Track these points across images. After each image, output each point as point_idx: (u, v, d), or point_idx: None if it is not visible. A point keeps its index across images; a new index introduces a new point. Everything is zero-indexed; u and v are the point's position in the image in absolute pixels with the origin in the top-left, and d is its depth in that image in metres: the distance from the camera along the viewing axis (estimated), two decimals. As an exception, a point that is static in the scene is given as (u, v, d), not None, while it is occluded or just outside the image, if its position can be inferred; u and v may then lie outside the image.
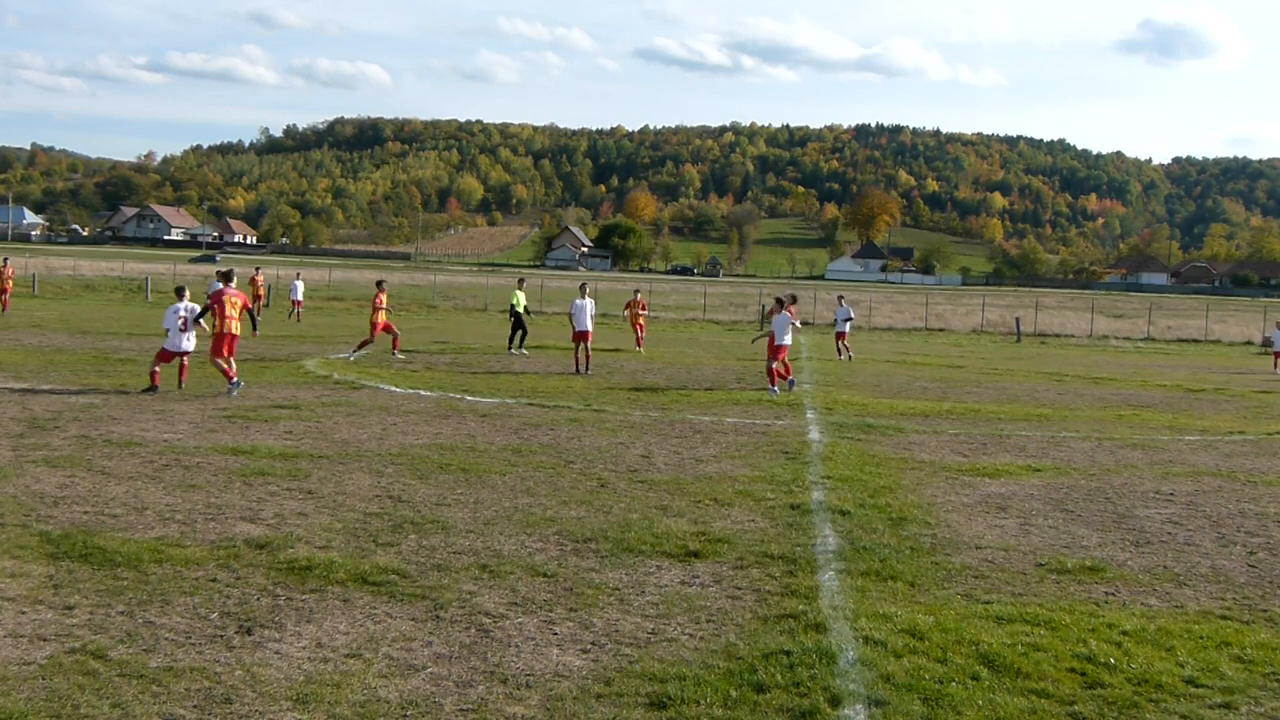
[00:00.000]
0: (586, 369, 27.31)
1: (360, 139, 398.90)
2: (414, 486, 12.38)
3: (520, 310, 33.52)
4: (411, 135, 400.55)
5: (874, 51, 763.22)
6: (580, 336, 28.14)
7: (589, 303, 29.04)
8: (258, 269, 47.77)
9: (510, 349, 32.98)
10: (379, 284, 30.15)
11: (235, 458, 13.61)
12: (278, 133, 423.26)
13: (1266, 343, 40.33)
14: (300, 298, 44.94)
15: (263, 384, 21.52)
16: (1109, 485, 14.42)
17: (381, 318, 29.42)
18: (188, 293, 20.63)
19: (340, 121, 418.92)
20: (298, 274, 50.04)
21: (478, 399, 20.67)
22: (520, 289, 34.41)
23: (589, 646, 7.36)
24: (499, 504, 11.65)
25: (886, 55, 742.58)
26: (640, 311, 37.20)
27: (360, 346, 29.35)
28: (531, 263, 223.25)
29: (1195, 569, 10.20)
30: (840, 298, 40.84)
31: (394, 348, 29.72)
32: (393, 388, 21.85)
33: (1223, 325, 69.55)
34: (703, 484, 13.23)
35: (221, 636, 7.23)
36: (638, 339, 36.33)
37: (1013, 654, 7.39)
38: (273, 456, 13.76)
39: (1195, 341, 60.51)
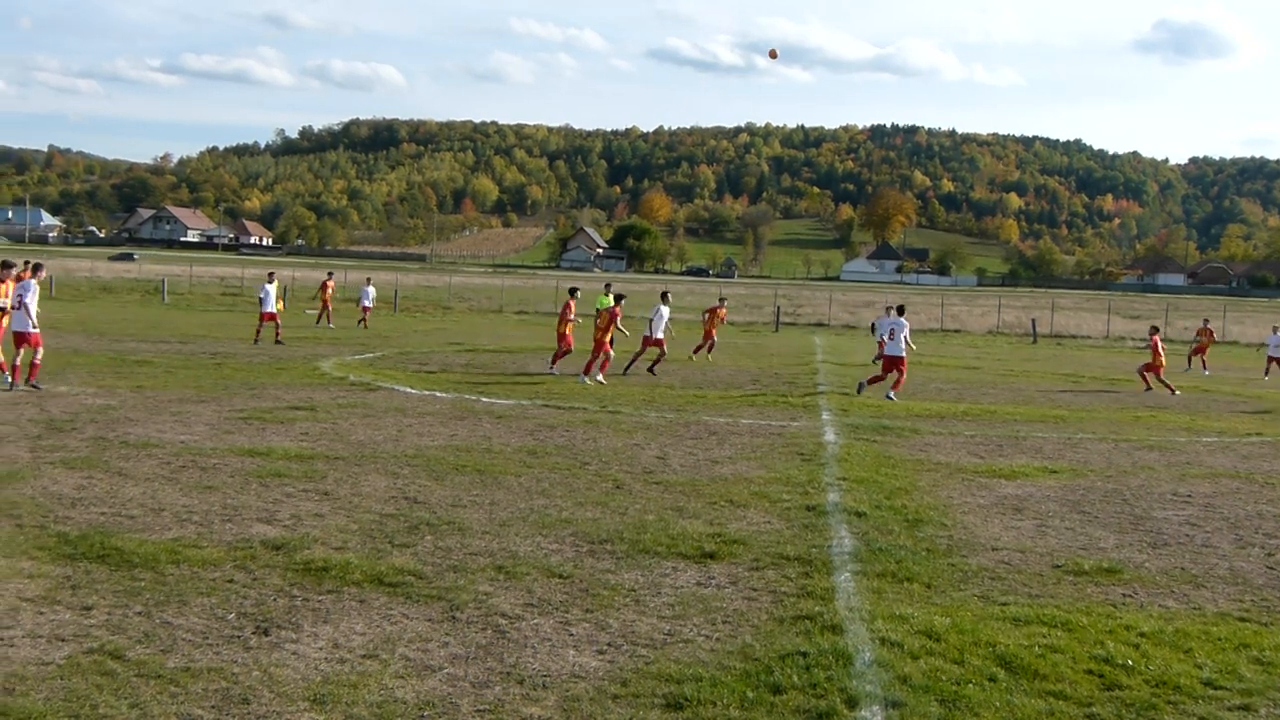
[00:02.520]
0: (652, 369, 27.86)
1: (375, 140, 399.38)
2: (430, 488, 12.40)
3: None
4: (426, 136, 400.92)
5: (888, 52, 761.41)
6: (652, 344, 28.22)
7: (667, 310, 29.03)
8: (330, 274, 47.21)
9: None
10: (571, 292, 29.20)
11: (251, 459, 13.64)
12: (293, 134, 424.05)
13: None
14: (370, 303, 44.61)
15: (279, 385, 21.58)
16: (1126, 487, 14.37)
17: (570, 328, 28.19)
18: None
19: (355, 123, 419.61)
20: (368, 279, 49.70)
21: (493, 400, 20.69)
22: (606, 294, 34.37)
23: (605, 647, 7.36)
24: (515, 505, 11.66)
25: (901, 55, 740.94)
26: (719, 320, 35.32)
27: (555, 359, 27.98)
28: (546, 264, 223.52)
29: (1213, 571, 10.16)
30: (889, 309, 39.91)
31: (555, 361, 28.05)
32: (408, 389, 21.89)
33: (1240, 326, 69.27)
34: (718, 485, 13.23)
35: (238, 637, 7.25)
36: (710, 345, 34.26)
37: (1030, 655, 7.37)
38: (289, 458, 13.80)
39: (1215, 343, 60.22)
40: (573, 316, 28.21)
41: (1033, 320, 62.57)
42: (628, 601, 8.41)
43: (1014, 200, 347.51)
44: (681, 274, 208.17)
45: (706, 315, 34.47)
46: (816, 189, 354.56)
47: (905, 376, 24.68)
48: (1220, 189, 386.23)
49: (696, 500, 12.33)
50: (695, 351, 33.61)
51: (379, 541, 9.85)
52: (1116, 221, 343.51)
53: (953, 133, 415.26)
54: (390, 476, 12.96)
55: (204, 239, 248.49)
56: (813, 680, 6.76)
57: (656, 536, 10.42)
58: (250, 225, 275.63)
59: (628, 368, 27.47)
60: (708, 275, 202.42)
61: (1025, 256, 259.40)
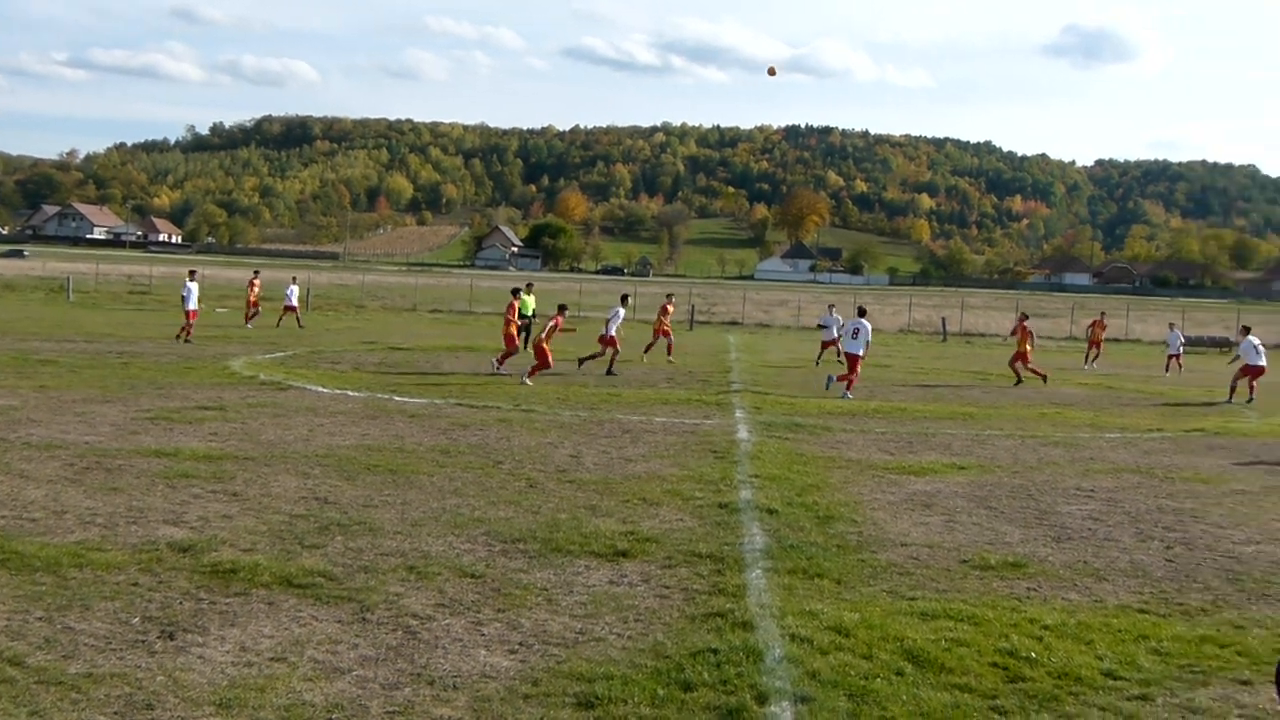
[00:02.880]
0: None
1: (288, 137, 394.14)
2: (341, 488, 12.29)
3: (528, 314, 34.18)
4: (340, 134, 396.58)
5: (803, 52, 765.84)
6: (607, 343, 28.56)
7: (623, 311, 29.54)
8: (256, 273, 46.54)
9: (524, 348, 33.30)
10: (514, 292, 29.28)
11: (158, 460, 13.42)
12: (204, 130, 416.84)
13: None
14: (294, 302, 44.04)
15: (187, 385, 21.26)
16: (1032, 482, 14.63)
17: (514, 329, 28.20)
18: None
19: (268, 119, 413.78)
20: (294, 278, 48.90)
21: (406, 399, 20.55)
22: (528, 294, 34.71)
23: (517, 647, 7.35)
24: (427, 505, 11.60)
25: (816, 56, 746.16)
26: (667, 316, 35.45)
27: (502, 359, 27.61)
28: (461, 263, 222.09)
29: (1114, 564, 10.38)
30: (831, 307, 40.23)
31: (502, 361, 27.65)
32: (320, 388, 21.66)
33: (1143, 325, 70.69)
34: (631, 484, 13.26)
35: (143, 641, 7.14)
36: (668, 344, 34.37)
37: (937, 649, 7.48)
38: (197, 459, 13.59)
39: (1116, 341, 61.44)
40: (513, 317, 28.22)
41: (943, 319, 63.43)
42: (540, 601, 8.41)
43: (925, 200, 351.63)
44: (596, 273, 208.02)
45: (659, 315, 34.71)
46: (732, 188, 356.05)
47: (857, 376, 25.28)
48: (1125, 191, 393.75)
49: (610, 499, 12.35)
50: (669, 353, 33.72)
51: (289, 543, 9.75)
52: (1025, 222, 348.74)
53: (866, 133, 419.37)
54: (301, 477, 12.82)
55: (111, 236, 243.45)
56: (723, 677, 6.80)
57: (569, 535, 10.42)
58: (159, 223, 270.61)
59: (582, 362, 28.17)
60: (623, 274, 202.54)
61: (936, 256, 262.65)
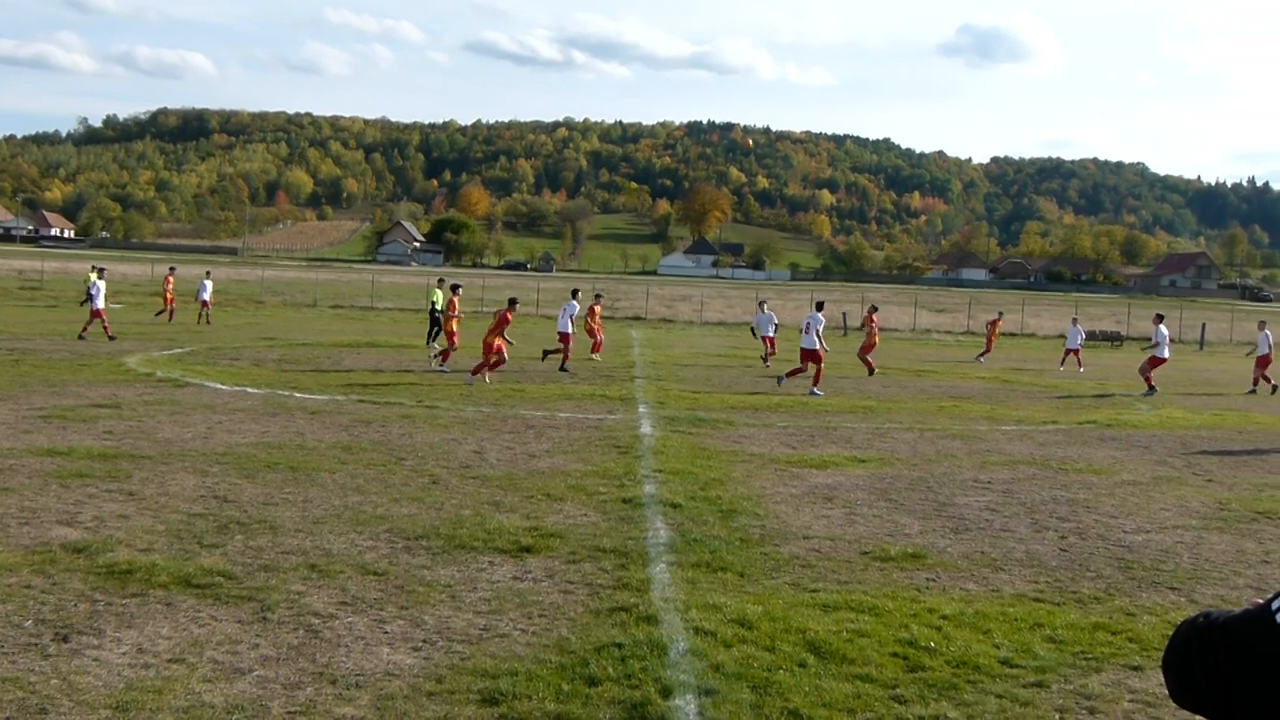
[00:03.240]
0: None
1: (185, 130, 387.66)
2: (241, 486, 12.11)
3: (435, 306, 34.58)
4: (238, 127, 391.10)
5: (705, 49, 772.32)
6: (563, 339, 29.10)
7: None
8: (172, 269, 45.70)
9: (430, 344, 33.98)
10: (454, 289, 29.10)
11: (51, 459, 13.11)
12: (97, 123, 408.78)
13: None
14: (208, 297, 43.35)
15: (81, 382, 20.79)
16: (930, 474, 14.86)
17: (456, 325, 28.08)
18: None
19: (163, 112, 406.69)
20: (207, 272, 47.93)
21: (307, 396, 20.30)
22: (439, 287, 35.08)
23: (420, 644, 7.31)
24: (329, 502, 11.48)
25: (718, 53, 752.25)
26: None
27: (445, 357, 27.55)
28: (362, 258, 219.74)
29: (1011, 554, 10.58)
30: (762, 304, 40.18)
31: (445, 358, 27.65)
32: (218, 385, 21.32)
33: (1038, 319, 72.10)
34: (535, 479, 13.24)
35: (36, 645, 6.98)
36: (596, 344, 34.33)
37: (838, 641, 7.58)
38: (91, 457, 13.31)
39: (1012, 335, 62.59)
40: (454, 313, 28.20)
41: (843, 314, 64.05)
42: (443, 597, 8.37)
43: (826, 197, 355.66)
44: (499, 268, 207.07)
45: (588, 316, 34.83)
46: (634, 184, 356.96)
47: (822, 369, 25.68)
48: (1020, 188, 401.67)
49: (513, 494, 12.32)
50: (594, 351, 33.68)
51: (187, 542, 9.59)
52: (923, 218, 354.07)
53: (767, 130, 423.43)
54: (199, 475, 12.61)
55: (1, 231, 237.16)
56: (628, 671, 6.83)
57: (473, 531, 10.38)
58: (51, 216, 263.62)
59: (546, 354, 29.44)
60: (526, 269, 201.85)
61: (837, 251, 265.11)
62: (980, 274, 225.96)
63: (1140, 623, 8.40)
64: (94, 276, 34.07)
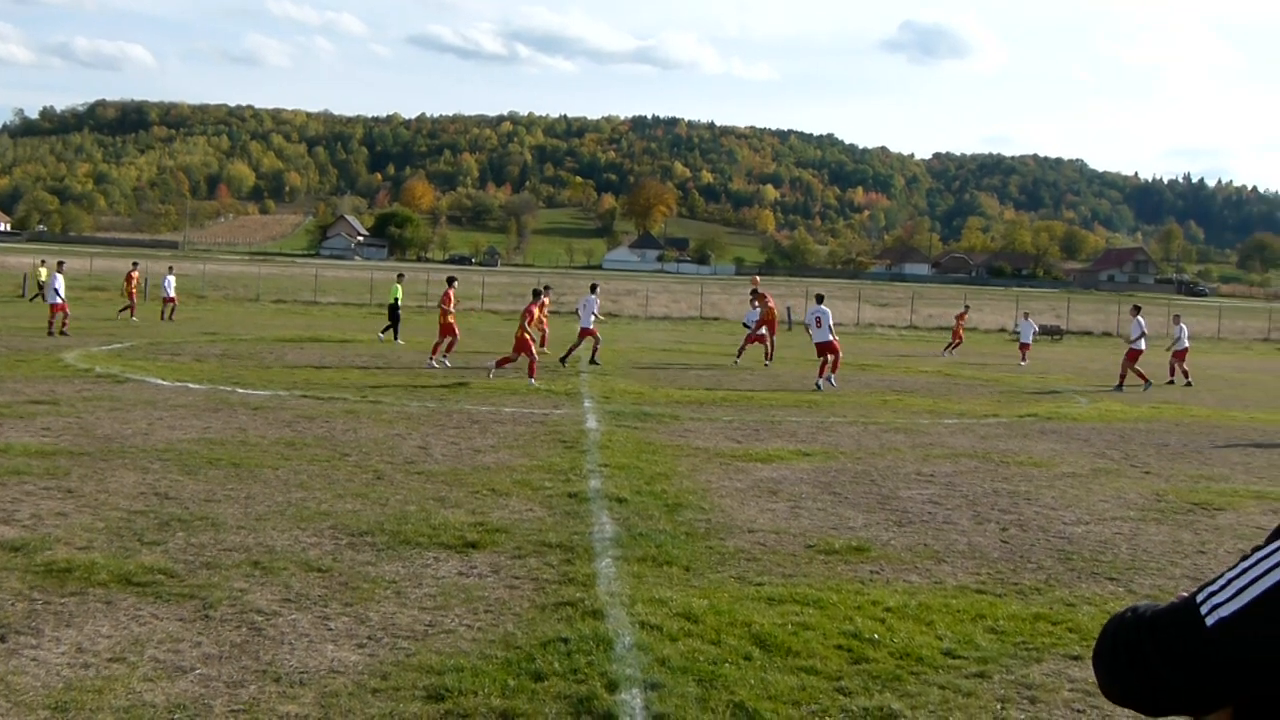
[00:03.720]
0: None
1: (124, 122, 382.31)
2: (182, 483, 11.99)
3: (398, 303, 35.34)
4: (178, 119, 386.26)
5: (650, 44, 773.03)
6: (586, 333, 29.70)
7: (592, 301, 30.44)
8: (135, 265, 44.92)
9: (380, 335, 34.61)
10: (450, 281, 29.44)
11: (-13, 456, 12.92)
12: (34, 114, 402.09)
13: (1016, 333, 42.65)
14: (173, 293, 42.87)
15: (18, 378, 20.48)
16: (874, 468, 14.96)
17: (453, 319, 28.12)
18: None
19: (102, 104, 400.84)
20: (170, 268, 47.26)
21: (249, 391, 20.12)
22: (399, 283, 35.95)
23: (365, 641, 7.27)
24: (271, 499, 11.39)
25: (662, 48, 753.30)
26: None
27: (443, 351, 27.49)
28: (306, 252, 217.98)
29: (953, 546, 10.68)
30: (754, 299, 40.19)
31: (435, 352, 27.52)
32: (159, 381, 21.08)
33: (979, 314, 72.69)
34: (480, 474, 13.20)
35: (-28, 644, 6.88)
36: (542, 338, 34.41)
37: (783, 633, 7.62)
38: (29, 454, 13.10)
39: (944, 328, 63.11)
40: (449, 306, 28.43)
41: (788, 308, 64.25)
42: (388, 594, 8.33)
43: (770, 192, 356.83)
44: (444, 262, 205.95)
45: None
46: (579, 178, 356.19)
47: (840, 357, 26.25)
48: (961, 183, 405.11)
49: (459, 489, 12.28)
50: (543, 345, 33.70)
51: (127, 540, 9.48)
52: (866, 213, 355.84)
53: (712, 125, 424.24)
54: (140, 472, 12.47)
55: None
56: (574, 666, 6.83)
57: (418, 527, 10.33)
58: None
59: (564, 357, 28.90)
60: (470, 263, 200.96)
61: (781, 246, 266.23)
62: (923, 269, 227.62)
63: (1080, 613, 8.51)
64: (46, 272, 33.79)
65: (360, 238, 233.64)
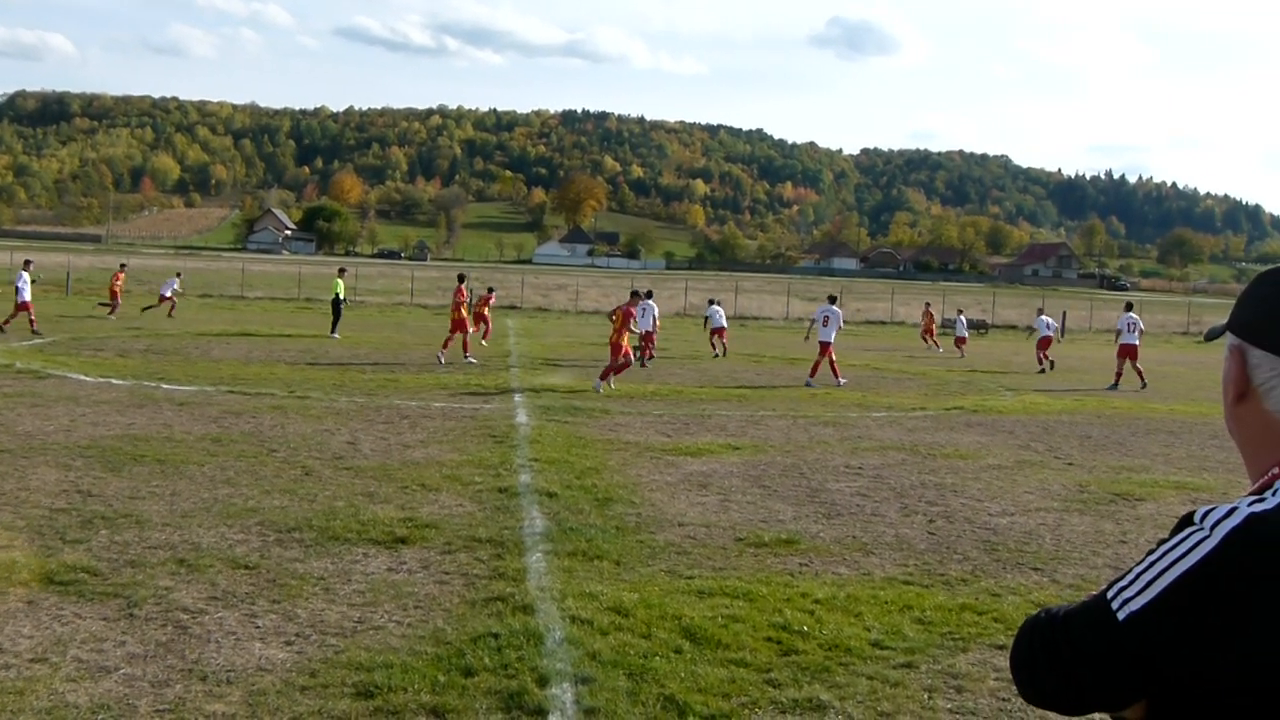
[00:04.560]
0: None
1: (44, 114, 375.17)
2: (105, 480, 11.81)
3: (339, 298, 35.79)
4: (101, 111, 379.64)
5: (579, 37, 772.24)
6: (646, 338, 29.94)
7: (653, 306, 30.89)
8: (123, 265, 45.35)
9: (333, 334, 34.26)
10: (461, 278, 29.68)
11: (-97, 454, 12.65)
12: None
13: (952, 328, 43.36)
14: (169, 294, 43.20)
15: (-66, 375, 20.06)
16: (803, 461, 15.07)
17: (465, 312, 28.68)
18: None
19: (21, 94, 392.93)
20: (178, 273, 47.01)
21: (175, 387, 19.85)
22: (341, 278, 36.57)
23: (293, 638, 7.22)
24: (197, 495, 11.25)
25: (591, 41, 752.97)
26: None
27: (458, 346, 28.15)
28: (232, 245, 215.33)
29: (881, 538, 10.79)
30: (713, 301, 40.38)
31: (467, 349, 28.33)
32: (82, 376, 20.74)
33: (907, 308, 73.35)
34: (410, 469, 13.14)
35: (-111, 646, 6.74)
36: (485, 332, 34.64)
37: (713, 626, 7.66)
38: (-54, 452, 12.86)
39: (882, 323, 63.75)
40: (463, 300, 28.74)
41: (718, 301, 64.44)
42: (317, 590, 8.27)
43: (700, 186, 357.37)
44: (373, 256, 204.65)
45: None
46: (509, 172, 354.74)
47: (827, 361, 26.18)
48: (889, 179, 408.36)
49: (388, 485, 12.21)
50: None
51: (49, 538, 9.33)
52: (795, 208, 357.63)
53: (642, 119, 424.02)
54: (62, 469, 12.27)
55: None
56: (504, 661, 6.83)
57: (347, 523, 10.27)
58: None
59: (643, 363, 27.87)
60: (400, 258, 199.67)
61: (711, 241, 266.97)
62: (851, 263, 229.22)
63: (1005, 603, 8.64)
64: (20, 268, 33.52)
65: (288, 232, 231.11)
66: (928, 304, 48.57)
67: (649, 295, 31.12)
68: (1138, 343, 28.53)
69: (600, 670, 6.74)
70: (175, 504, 10.84)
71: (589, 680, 6.57)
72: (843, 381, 25.62)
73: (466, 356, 27.71)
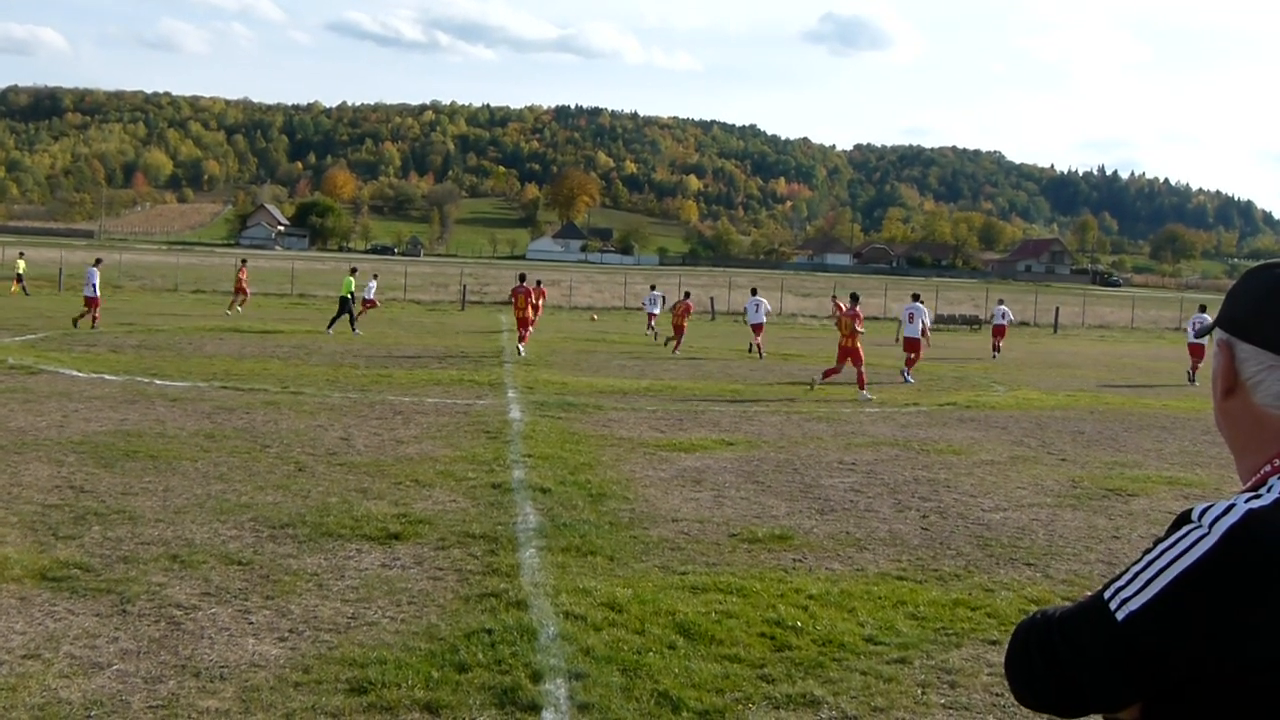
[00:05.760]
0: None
1: (36, 109, 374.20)
2: (98, 476, 11.79)
3: (348, 295, 35.78)
4: (93, 106, 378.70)
5: (571, 32, 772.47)
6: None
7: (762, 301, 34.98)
8: (244, 261, 48.35)
9: (329, 330, 34.53)
10: (538, 283, 32.99)
11: (-105, 450, 12.62)
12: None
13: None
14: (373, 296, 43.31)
15: (-74, 370, 20.02)
16: (797, 457, 15.07)
17: (531, 313, 31.13)
18: None
19: (13, 90, 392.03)
20: (374, 274, 47.13)
21: (167, 383, 19.83)
22: (352, 276, 36.74)
23: (286, 634, 7.21)
24: (190, 491, 11.23)
25: (584, 37, 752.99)
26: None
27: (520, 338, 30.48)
28: (225, 241, 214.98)
29: (874, 534, 10.80)
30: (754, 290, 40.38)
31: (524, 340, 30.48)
32: (74, 372, 20.70)
33: (900, 304, 73.40)
34: (403, 465, 13.12)
35: (-119, 642, 6.72)
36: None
37: (707, 622, 7.66)
38: (-62, 448, 12.83)
39: (874, 319, 63.73)
40: (540, 300, 32.70)
41: (711, 299, 64.54)
42: (310, 586, 8.26)
43: (693, 182, 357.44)
44: (366, 252, 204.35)
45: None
46: (502, 168, 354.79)
47: (919, 357, 27.02)
48: (882, 174, 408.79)
49: (381, 481, 12.20)
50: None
51: (41, 534, 9.31)
52: (789, 204, 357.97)
53: (635, 115, 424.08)
54: (54, 465, 12.24)
55: None
56: (498, 657, 6.82)
57: (340, 519, 10.25)
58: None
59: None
60: (393, 254, 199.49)
61: (704, 237, 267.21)
62: (844, 259, 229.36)
63: (998, 598, 8.65)
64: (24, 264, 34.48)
65: (281, 227, 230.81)
66: (834, 295, 47.73)
67: (754, 292, 35.16)
68: (921, 335, 28.09)
69: (594, 666, 6.74)
70: (168, 500, 10.83)
71: (583, 676, 6.57)
72: (910, 380, 25.96)
73: (520, 350, 29.42)
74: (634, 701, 6.28)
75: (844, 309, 25.18)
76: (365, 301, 40.73)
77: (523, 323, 30.74)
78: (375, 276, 45.11)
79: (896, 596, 8.55)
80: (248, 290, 44.58)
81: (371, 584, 8.37)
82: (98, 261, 35.06)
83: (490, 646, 6.99)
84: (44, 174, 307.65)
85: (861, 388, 23.02)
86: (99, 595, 7.80)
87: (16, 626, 7.11)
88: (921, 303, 28.26)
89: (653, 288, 46.53)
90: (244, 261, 48.09)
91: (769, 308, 37.86)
